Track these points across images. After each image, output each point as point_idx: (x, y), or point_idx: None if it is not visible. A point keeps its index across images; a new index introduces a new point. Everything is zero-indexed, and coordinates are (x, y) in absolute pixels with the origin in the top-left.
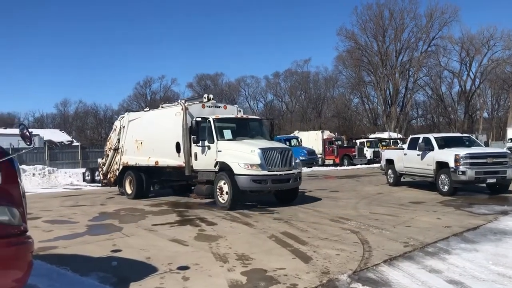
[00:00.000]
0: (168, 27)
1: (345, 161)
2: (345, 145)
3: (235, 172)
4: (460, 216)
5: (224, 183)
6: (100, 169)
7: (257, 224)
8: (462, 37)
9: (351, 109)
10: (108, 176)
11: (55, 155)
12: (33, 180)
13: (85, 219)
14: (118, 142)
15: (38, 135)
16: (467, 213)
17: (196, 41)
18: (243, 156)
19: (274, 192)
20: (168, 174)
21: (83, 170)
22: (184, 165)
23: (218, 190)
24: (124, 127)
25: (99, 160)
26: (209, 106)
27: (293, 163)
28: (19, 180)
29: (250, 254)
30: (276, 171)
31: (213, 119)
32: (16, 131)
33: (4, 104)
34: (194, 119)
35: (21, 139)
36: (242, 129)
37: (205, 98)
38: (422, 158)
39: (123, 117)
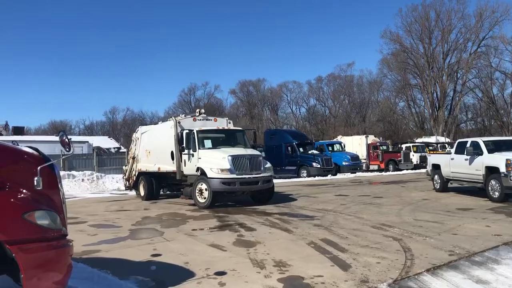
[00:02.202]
0: (211, 34)
1: (390, 166)
2: (390, 150)
3: (208, 176)
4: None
5: (203, 186)
6: (123, 175)
7: (296, 230)
8: None
9: (397, 113)
10: (130, 181)
11: (103, 161)
12: (82, 185)
13: (129, 224)
14: (135, 151)
15: (87, 141)
16: None
17: (238, 47)
18: (216, 162)
19: (250, 194)
20: (171, 179)
21: None
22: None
23: (197, 191)
24: (138, 138)
25: (124, 167)
26: (200, 119)
27: (262, 168)
28: (59, 186)
29: (287, 261)
30: (245, 174)
31: (196, 131)
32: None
33: (57, 112)
34: (180, 131)
35: (65, 145)
36: (223, 139)
37: (197, 112)
38: (470, 163)
39: (138, 130)
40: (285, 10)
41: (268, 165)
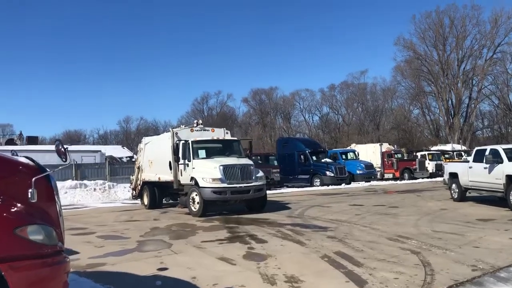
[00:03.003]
0: (224, 42)
1: (406, 175)
2: (405, 158)
3: (200, 185)
4: None
5: (196, 195)
6: (130, 184)
7: (309, 242)
8: None
9: (411, 120)
10: (136, 190)
11: (115, 171)
12: (94, 195)
13: (137, 235)
14: (140, 161)
15: (100, 151)
16: None
17: (251, 56)
18: (208, 171)
19: (245, 203)
20: (171, 188)
21: None
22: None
23: (190, 200)
24: (142, 149)
25: (131, 177)
26: (197, 130)
27: (253, 177)
28: (56, 198)
29: (299, 276)
30: (236, 183)
31: (191, 141)
32: (81, 147)
33: (72, 122)
34: (177, 141)
35: (61, 155)
36: (219, 149)
37: (195, 123)
38: (489, 172)
39: (143, 140)
40: (297, 19)
41: (260, 174)
